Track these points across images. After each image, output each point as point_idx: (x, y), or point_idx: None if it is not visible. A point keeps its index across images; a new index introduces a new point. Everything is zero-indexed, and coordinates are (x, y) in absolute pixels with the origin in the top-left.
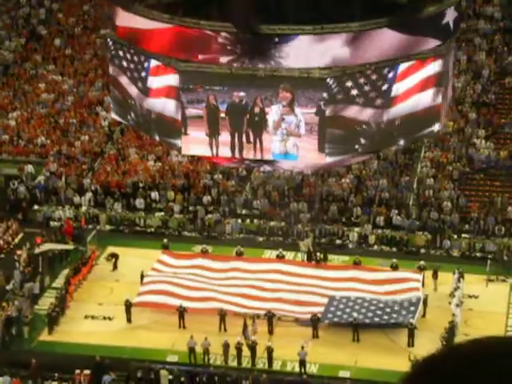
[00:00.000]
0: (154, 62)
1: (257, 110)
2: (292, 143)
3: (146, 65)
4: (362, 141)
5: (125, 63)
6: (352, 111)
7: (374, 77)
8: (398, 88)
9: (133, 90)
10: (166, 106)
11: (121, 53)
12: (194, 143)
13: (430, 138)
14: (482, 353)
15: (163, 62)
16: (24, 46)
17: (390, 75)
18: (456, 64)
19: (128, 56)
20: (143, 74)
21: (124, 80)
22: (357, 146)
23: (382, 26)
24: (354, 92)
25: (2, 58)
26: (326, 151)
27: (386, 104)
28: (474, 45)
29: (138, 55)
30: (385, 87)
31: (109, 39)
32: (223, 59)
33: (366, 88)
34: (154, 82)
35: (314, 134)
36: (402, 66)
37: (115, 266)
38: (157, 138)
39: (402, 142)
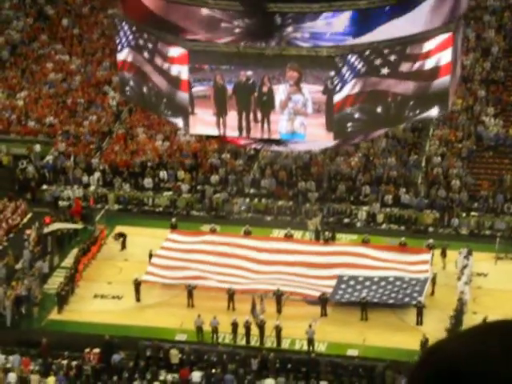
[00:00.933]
0: (173, 51)
1: (265, 89)
2: (299, 122)
3: (159, 46)
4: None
5: (133, 42)
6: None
7: (389, 55)
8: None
9: (148, 69)
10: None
11: (130, 32)
12: (202, 123)
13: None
14: (491, 339)
15: (170, 41)
16: (31, 25)
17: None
18: (465, 41)
19: (138, 35)
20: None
21: (137, 59)
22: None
23: (389, 3)
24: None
25: (10, 37)
26: (334, 130)
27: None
28: (483, 22)
29: (149, 35)
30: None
31: (116, 19)
32: (228, 38)
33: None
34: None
35: (321, 113)
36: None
37: (124, 246)
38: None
39: (436, 112)
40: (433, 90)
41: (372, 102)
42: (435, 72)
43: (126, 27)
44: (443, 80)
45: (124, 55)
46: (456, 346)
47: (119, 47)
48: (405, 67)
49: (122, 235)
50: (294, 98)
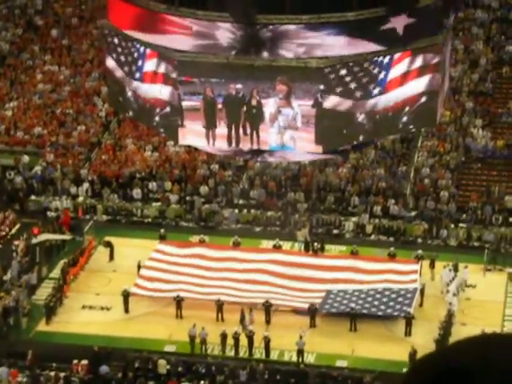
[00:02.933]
0: (148, 66)
1: (254, 102)
2: (289, 136)
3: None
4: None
5: (121, 55)
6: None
7: (370, 66)
8: (393, 73)
9: (132, 84)
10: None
11: (116, 41)
12: (191, 135)
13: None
14: (479, 353)
15: (159, 51)
16: (21, 36)
17: (386, 62)
18: (453, 53)
19: (123, 45)
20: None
21: (119, 73)
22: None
23: (379, 16)
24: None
25: None
26: (323, 143)
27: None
28: (471, 34)
29: (134, 46)
30: (382, 75)
31: (105, 29)
32: (217, 49)
33: (363, 78)
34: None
35: (310, 127)
36: (397, 54)
37: (111, 256)
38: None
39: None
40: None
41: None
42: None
43: (141, 49)
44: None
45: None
46: (465, 349)
47: (134, 68)
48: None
49: (108, 244)
50: (284, 111)
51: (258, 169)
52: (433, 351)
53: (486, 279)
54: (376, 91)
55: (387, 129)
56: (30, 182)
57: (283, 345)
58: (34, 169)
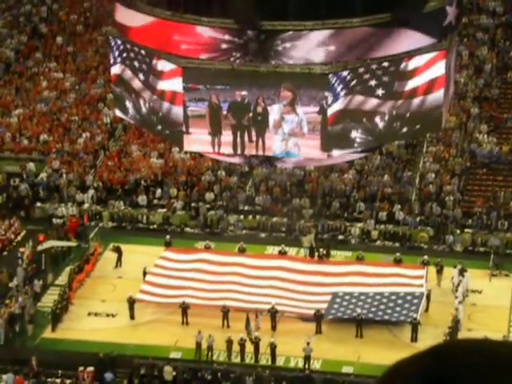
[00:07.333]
0: (161, 65)
1: (259, 109)
2: (293, 142)
3: (148, 61)
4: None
5: (127, 60)
6: (366, 103)
7: (377, 71)
8: (409, 84)
9: (137, 85)
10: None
11: (123, 49)
12: (196, 142)
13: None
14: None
15: (164, 57)
16: (26, 43)
17: (393, 69)
18: (458, 59)
19: (132, 54)
20: (146, 70)
21: (127, 75)
22: (359, 141)
23: (384, 22)
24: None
25: (4, 55)
26: (328, 148)
27: (394, 96)
28: (476, 39)
29: (140, 51)
30: (386, 79)
31: (111, 36)
32: (226, 57)
33: (370, 81)
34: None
35: (316, 134)
36: (413, 62)
37: (119, 263)
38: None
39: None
40: (426, 106)
41: (357, 120)
42: (429, 88)
43: (119, 42)
44: (436, 96)
45: (117, 69)
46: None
47: (112, 61)
48: (398, 86)
49: (117, 250)
50: (289, 118)
51: (263, 175)
52: (410, 357)
53: (492, 284)
54: (380, 93)
55: (393, 133)
56: (36, 189)
57: (289, 351)
58: (40, 176)
